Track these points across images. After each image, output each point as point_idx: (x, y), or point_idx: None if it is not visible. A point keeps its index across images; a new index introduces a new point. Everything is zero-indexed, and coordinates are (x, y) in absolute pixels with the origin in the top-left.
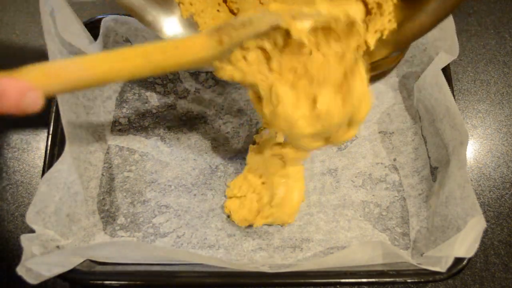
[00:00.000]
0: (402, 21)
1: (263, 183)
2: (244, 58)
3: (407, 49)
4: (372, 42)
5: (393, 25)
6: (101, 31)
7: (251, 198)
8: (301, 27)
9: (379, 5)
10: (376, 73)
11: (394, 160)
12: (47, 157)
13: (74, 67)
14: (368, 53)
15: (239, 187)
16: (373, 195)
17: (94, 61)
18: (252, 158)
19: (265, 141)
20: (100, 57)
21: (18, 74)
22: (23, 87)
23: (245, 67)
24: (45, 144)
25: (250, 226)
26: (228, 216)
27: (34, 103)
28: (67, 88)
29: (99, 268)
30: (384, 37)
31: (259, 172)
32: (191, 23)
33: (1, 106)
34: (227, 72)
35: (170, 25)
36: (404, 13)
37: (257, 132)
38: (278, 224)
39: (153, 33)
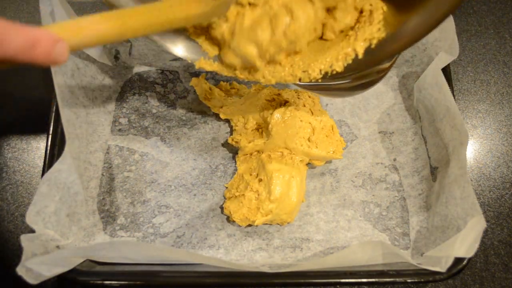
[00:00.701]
0: (391, 31)
1: (260, 180)
2: (237, 13)
3: (395, 60)
4: (360, 50)
5: (382, 34)
6: None
7: (250, 196)
8: None
9: (370, 13)
10: (364, 81)
11: (394, 160)
12: (47, 157)
13: (90, 23)
14: (356, 61)
15: (237, 187)
16: (373, 195)
17: (107, 17)
18: (242, 165)
19: (254, 147)
20: (113, 13)
21: (45, 27)
22: (54, 38)
23: (239, 26)
24: (45, 144)
25: (250, 225)
26: (228, 217)
27: (62, 54)
28: (84, 42)
29: (99, 268)
30: (373, 46)
31: (255, 171)
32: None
33: (35, 54)
34: (221, 29)
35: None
36: (394, 22)
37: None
38: (278, 224)
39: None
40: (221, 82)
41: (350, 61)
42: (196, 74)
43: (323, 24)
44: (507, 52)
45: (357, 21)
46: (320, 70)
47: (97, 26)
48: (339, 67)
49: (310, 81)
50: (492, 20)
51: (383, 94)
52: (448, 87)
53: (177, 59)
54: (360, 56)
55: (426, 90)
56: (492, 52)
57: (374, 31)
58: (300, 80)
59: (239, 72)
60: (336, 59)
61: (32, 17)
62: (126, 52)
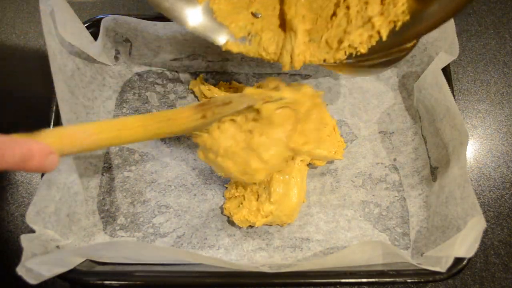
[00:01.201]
0: (415, 12)
1: None
2: (218, 127)
3: (419, 39)
4: (385, 33)
5: (406, 16)
6: (101, 31)
7: (249, 198)
8: (269, 108)
9: None
10: (386, 59)
11: (394, 160)
12: None
13: (84, 133)
14: (380, 43)
15: (236, 187)
16: (373, 195)
17: (101, 128)
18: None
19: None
20: (106, 125)
21: (39, 137)
22: (46, 151)
23: (218, 135)
24: None
25: (250, 226)
26: (228, 218)
27: (53, 164)
28: (77, 150)
29: (99, 268)
30: (397, 28)
31: None
32: (207, 9)
33: (29, 166)
34: (203, 138)
35: (187, 11)
36: (418, 4)
37: None
38: (278, 224)
39: (152, 34)
40: (221, 82)
41: (374, 43)
42: (196, 74)
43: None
44: (507, 52)
45: (382, 3)
46: (345, 52)
47: (91, 138)
48: (363, 48)
49: (335, 62)
50: (492, 20)
51: (383, 94)
52: (448, 87)
53: (177, 59)
54: (384, 38)
55: (426, 90)
56: (492, 52)
57: (398, 13)
58: (324, 61)
59: (265, 54)
60: (361, 41)
61: (32, 17)
62: (126, 52)
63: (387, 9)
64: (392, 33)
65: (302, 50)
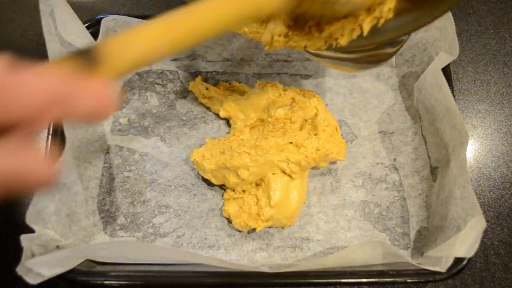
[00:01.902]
0: (399, 12)
1: (256, 184)
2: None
3: (402, 45)
4: (367, 28)
5: (390, 14)
6: (101, 31)
7: (249, 202)
8: None
9: None
10: (368, 60)
11: (394, 160)
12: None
13: (148, 41)
14: (361, 38)
15: (235, 188)
16: (373, 195)
17: (166, 27)
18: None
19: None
20: (172, 22)
21: (101, 67)
22: (100, 93)
23: None
24: (45, 144)
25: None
26: (229, 220)
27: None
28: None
29: (99, 268)
30: (379, 25)
31: None
32: None
33: (95, 120)
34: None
35: None
36: (403, 5)
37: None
38: (279, 227)
39: None
40: (221, 82)
41: (354, 37)
42: (196, 74)
43: None
44: (507, 52)
45: None
46: (325, 41)
47: (154, 44)
48: (343, 41)
49: (315, 50)
50: (492, 20)
51: (383, 94)
52: (448, 87)
53: (177, 59)
54: (365, 33)
55: (426, 90)
56: (492, 52)
57: (384, 10)
58: (305, 47)
59: (248, 30)
60: (342, 33)
61: (32, 17)
62: None
63: (373, 4)
64: (374, 29)
65: (283, 32)
